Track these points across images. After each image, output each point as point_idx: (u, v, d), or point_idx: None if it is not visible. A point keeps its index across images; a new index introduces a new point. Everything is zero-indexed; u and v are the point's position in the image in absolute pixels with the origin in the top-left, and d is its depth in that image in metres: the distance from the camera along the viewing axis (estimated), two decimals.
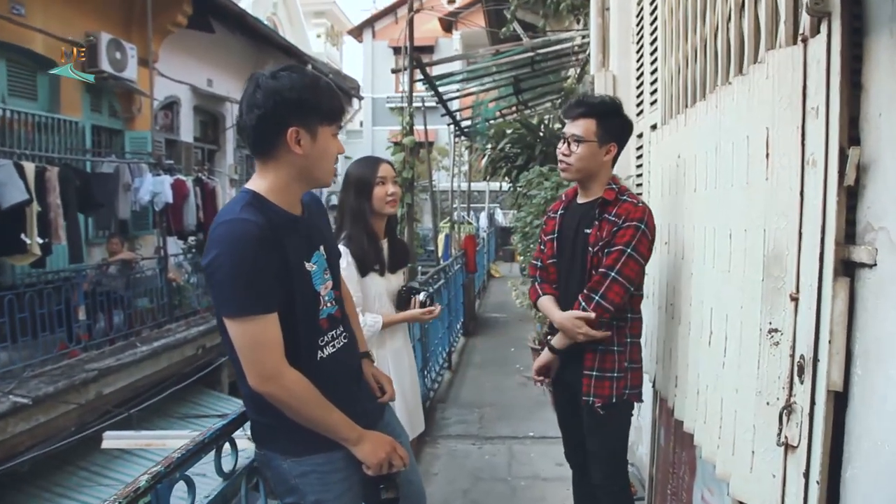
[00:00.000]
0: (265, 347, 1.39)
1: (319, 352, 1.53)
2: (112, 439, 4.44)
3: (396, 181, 2.52)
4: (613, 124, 2.14)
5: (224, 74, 10.53)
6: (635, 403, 2.23)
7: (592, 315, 2.03)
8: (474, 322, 8.45)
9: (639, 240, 2.02)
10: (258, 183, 1.48)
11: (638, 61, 3.23)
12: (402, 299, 2.58)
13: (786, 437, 1.29)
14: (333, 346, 1.57)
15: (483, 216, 17.65)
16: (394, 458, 1.57)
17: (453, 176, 11.12)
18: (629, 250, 2.02)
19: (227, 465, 1.53)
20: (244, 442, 1.61)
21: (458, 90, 7.75)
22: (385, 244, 2.53)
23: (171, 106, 9.49)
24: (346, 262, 2.33)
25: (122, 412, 5.42)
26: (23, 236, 5.28)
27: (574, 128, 2.14)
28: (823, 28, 1.15)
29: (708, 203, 1.82)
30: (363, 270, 2.41)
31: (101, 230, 7.66)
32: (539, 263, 2.35)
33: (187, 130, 9.80)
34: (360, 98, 17.11)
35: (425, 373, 4.74)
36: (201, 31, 9.07)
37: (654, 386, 2.62)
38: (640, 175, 3.19)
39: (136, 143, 8.08)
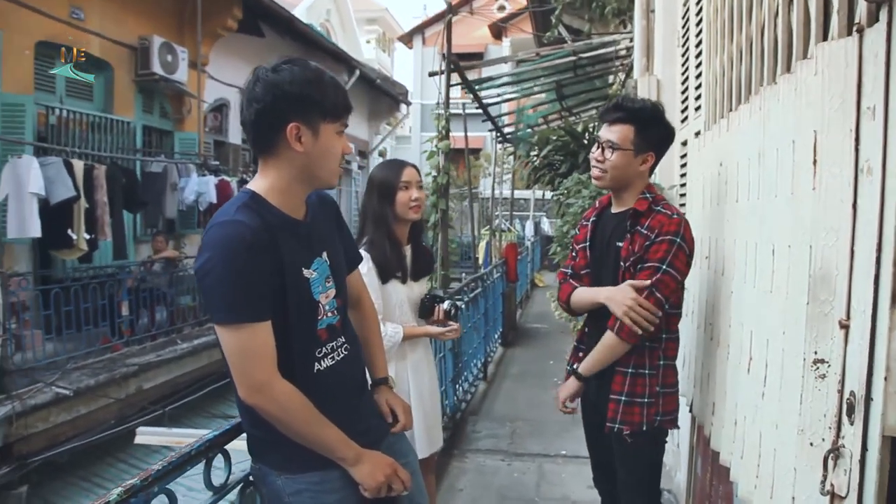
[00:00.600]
0: (255, 357, 1.31)
1: (317, 363, 1.44)
2: (145, 434, 4.49)
3: (421, 186, 2.43)
4: (652, 133, 1.97)
5: None
6: (671, 430, 2.06)
7: (647, 282, 1.85)
8: (514, 332, 8.28)
9: (674, 254, 1.86)
10: (258, 182, 1.41)
11: (683, 65, 3.06)
12: (425, 307, 2.48)
13: (832, 486, 1.12)
14: (333, 357, 1.48)
15: (528, 224, 17.43)
16: (394, 481, 1.46)
17: (494, 183, 10.95)
18: (665, 266, 1.85)
19: (220, 478, 1.46)
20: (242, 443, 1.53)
21: (498, 95, 7.62)
22: (409, 251, 2.44)
23: (220, 108, 9.68)
24: (367, 268, 2.25)
25: (157, 409, 5.50)
26: (69, 232, 5.43)
27: (610, 133, 1.98)
28: (883, 16, 1.00)
29: (749, 215, 1.66)
30: (384, 277, 2.32)
31: (150, 228, 7.84)
32: (570, 271, 2.20)
33: (236, 133, 9.97)
34: (409, 104, 17.16)
35: (457, 385, 4.63)
36: (251, 36, 9.22)
37: (690, 410, 2.45)
38: (683, 185, 3.02)
39: (185, 143, 8.26)
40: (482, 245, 10.94)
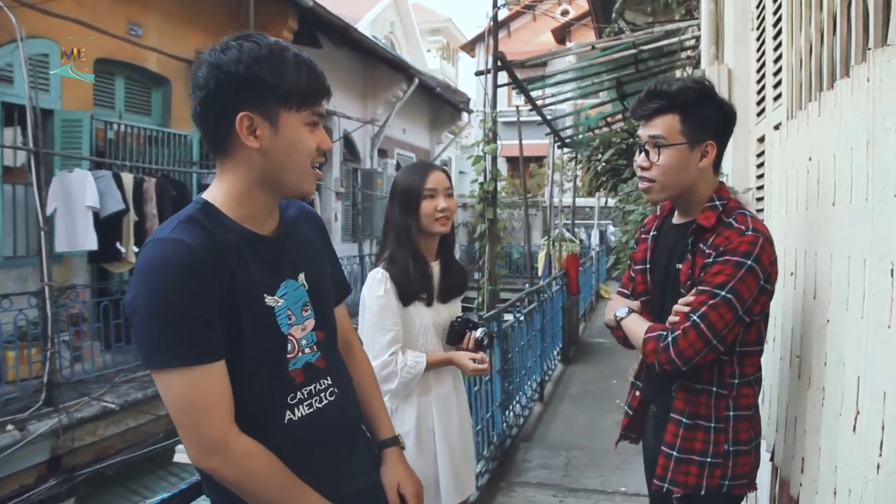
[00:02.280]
0: (205, 409, 1.04)
1: (289, 412, 1.16)
2: (182, 453, 4.37)
3: (451, 194, 2.11)
4: (705, 115, 1.54)
5: (331, 89, 10.66)
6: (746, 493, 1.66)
7: (691, 299, 1.49)
8: (575, 347, 7.83)
9: (740, 279, 1.44)
10: (213, 190, 1.16)
11: (759, 50, 2.64)
12: (455, 333, 2.13)
13: None
14: (311, 404, 1.19)
15: (594, 233, 16.80)
16: None
17: (552, 190, 10.47)
18: (723, 293, 1.44)
19: None
20: None
21: (553, 95, 7.19)
22: (437, 268, 2.12)
23: None
24: (385, 289, 1.96)
25: None
26: (118, 244, 5.44)
27: (651, 129, 1.57)
28: None
29: (853, 222, 1.26)
30: (406, 299, 2.00)
31: None
32: (628, 293, 1.83)
33: None
34: (470, 112, 16.92)
35: (506, 410, 4.28)
36: (307, 46, 9.20)
37: (772, 459, 2.03)
38: (760, 187, 2.59)
39: None
40: (542, 255, 10.49)
